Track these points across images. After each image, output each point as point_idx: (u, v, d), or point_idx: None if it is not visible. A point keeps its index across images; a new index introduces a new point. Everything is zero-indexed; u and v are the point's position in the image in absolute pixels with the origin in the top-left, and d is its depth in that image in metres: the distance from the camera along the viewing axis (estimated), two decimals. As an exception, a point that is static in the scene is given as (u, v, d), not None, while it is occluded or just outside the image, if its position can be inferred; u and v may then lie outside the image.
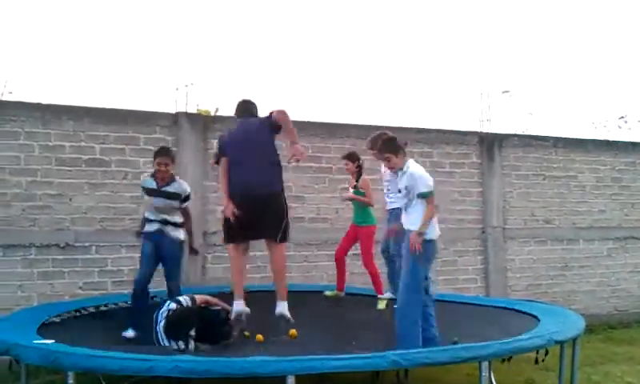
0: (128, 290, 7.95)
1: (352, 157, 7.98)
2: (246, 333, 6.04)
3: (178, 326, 5.58)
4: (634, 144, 11.96)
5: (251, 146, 6.06)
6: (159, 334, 5.61)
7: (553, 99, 23.96)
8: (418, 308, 5.45)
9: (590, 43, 27.71)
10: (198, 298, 6.04)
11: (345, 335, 6.08)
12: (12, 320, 5.97)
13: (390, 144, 5.78)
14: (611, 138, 12.46)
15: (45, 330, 5.65)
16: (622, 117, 15.52)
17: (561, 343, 5.32)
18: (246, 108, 6.51)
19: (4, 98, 8.62)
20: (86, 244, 8.10)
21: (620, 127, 15.20)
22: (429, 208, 5.48)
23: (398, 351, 4.49)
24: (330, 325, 6.67)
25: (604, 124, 15.41)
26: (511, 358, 5.56)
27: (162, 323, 5.62)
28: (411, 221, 5.57)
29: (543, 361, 5.50)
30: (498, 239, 10.46)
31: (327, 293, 8.11)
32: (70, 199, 8.07)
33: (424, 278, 5.59)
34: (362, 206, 7.87)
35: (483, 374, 4.56)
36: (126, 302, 6.95)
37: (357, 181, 7.88)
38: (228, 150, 6.21)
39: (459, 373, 6.57)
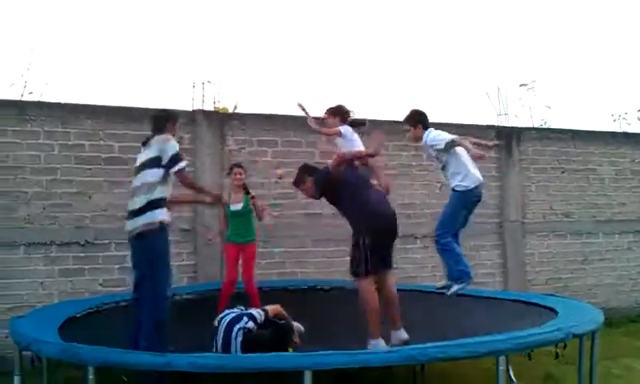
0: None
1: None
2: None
3: (256, 348, 5.58)
4: (653, 136, 11.83)
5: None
6: (233, 347, 5.61)
7: (571, 92, 23.76)
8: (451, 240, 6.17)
9: (609, 35, 27.41)
10: (270, 310, 6.08)
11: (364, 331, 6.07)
12: (33, 316, 6.04)
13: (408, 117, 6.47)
14: (630, 131, 12.36)
15: (66, 325, 5.71)
16: (642, 109, 15.35)
17: (579, 337, 5.29)
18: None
19: (24, 98, 8.71)
20: (106, 241, 8.18)
21: (639, 119, 15.05)
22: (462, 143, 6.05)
23: (414, 346, 4.49)
24: (352, 321, 6.67)
25: (623, 116, 15.26)
26: (532, 352, 5.53)
27: (240, 340, 5.65)
28: (457, 180, 6.17)
29: (562, 355, 5.46)
30: (517, 233, 10.40)
31: None
32: (90, 197, 8.16)
33: (460, 221, 6.28)
34: (250, 222, 7.76)
35: (500, 367, 4.54)
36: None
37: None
38: (353, 178, 6.08)
39: (477, 367, 6.54)
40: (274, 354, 4.37)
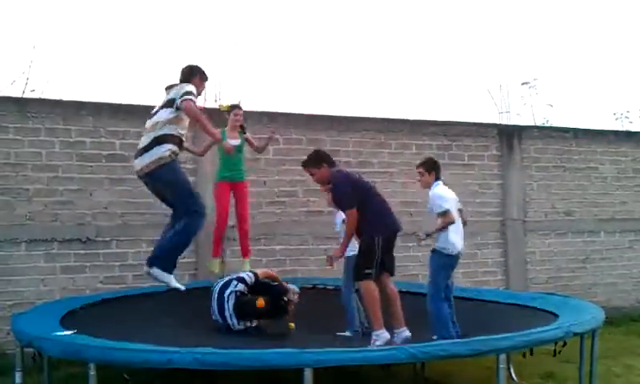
0: (148, 284, 8.10)
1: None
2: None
3: (247, 309, 5.74)
4: (656, 135, 11.81)
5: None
6: (227, 312, 5.75)
7: (573, 90, 23.75)
8: (443, 307, 6.35)
9: (612, 33, 27.39)
10: (260, 272, 6.18)
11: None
12: (34, 313, 6.06)
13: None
14: (633, 129, 12.35)
15: (66, 322, 5.71)
16: (644, 107, 15.33)
17: (580, 335, 5.30)
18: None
19: (25, 95, 8.72)
20: (107, 238, 8.19)
21: (641, 117, 15.03)
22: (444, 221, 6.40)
23: (415, 344, 4.49)
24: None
25: (625, 115, 15.26)
26: (532, 351, 5.54)
27: (232, 303, 5.78)
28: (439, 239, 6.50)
29: (560, 352, 5.47)
30: (518, 232, 10.40)
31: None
32: (91, 194, 8.16)
33: (444, 287, 6.44)
34: (242, 160, 7.87)
35: (501, 366, 4.55)
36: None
37: None
38: (366, 188, 6.35)
39: (478, 366, 6.54)
40: (275, 350, 4.36)
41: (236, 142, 7.71)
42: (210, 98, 10.42)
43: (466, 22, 25.94)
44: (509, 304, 7.04)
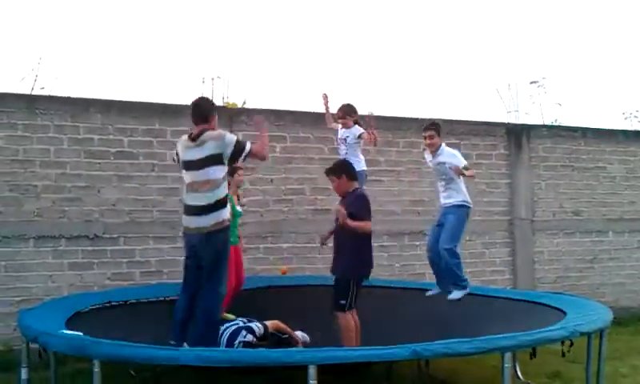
0: (155, 280, 8.14)
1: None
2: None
3: None
4: (665, 134, 11.74)
5: None
6: None
7: (582, 89, 23.59)
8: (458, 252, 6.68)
9: (621, 32, 27.24)
10: (270, 324, 6.11)
11: (369, 328, 6.08)
12: (41, 309, 6.09)
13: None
14: (642, 129, 12.24)
15: (74, 319, 5.75)
16: (653, 107, 15.23)
17: (587, 335, 5.27)
18: None
19: (34, 92, 8.74)
20: (115, 235, 8.22)
21: (650, 117, 14.92)
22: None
23: (418, 344, 4.47)
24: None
25: (634, 114, 15.15)
26: (535, 350, 5.53)
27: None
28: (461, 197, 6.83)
29: (569, 352, 5.45)
30: (526, 231, 10.37)
31: None
32: (99, 191, 8.19)
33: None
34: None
35: (506, 365, 4.53)
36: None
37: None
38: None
39: (484, 365, 6.54)
40: (279, 349, 4.38)
41: (240, 208, 7.55)
42: (217, 97, 10.39)
43: (474, 21, 25.85)
44: (516, 302, 7.02)
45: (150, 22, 22.64)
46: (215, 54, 20.06)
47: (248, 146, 5.49)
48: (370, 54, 24.49)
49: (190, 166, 5.49)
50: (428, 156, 7.27)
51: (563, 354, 5.54)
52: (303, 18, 24.17)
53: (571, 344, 5.33)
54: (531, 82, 14.58)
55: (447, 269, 6.77)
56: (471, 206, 6.98)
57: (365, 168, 7.27)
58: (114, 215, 8.24)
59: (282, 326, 6.23)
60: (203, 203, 5.37)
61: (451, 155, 6.88)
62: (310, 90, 20.87)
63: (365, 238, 6.16)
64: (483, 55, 24.46)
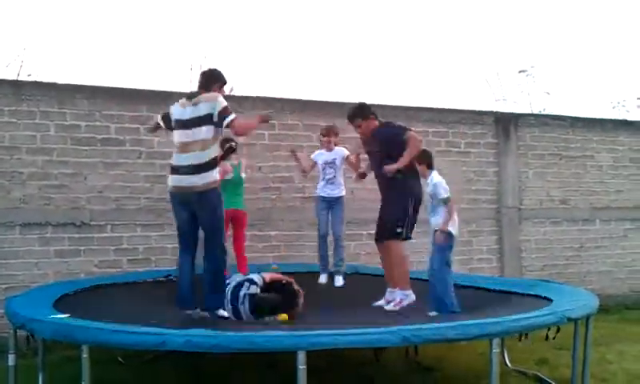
0: (143, 268, 8.11)
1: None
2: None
3: (265, 310, 5.74)
4: (652, 124, 11.82)
5: None
6: (241, 313, 5.74)
7: (570, 79, 23.71)
8: (450, 280, 6.26)
9: (608, 22, 27.33)
10: (267, 276, 6.15)
11: (355, 315, 6.08)
12: (28, 296, 6.04)
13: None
14: (629, 118, 12.36)
15: (60, 305, 5.70)
16: (641, 96, 15.35)
17: (574, 321, 5.29)
18: None
19: (20, 79, 8.67)
20: (102, 223, 8.18)
21: (638, 107, 15.08)
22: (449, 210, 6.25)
23: (408, 327, 4.48)
24: (341, 304, 6.68)
25: (622, 104, 15.29)
26: (527, 335, 5.55)
27: (247, 306, 5.76)
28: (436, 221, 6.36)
29: (554, 338, 5.48)
30: (514, 219, 10.41)
31: None
32: (86, 178, 8.14)
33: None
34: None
35: (494, 350, 4.53)
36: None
37: None
38: None
39: (471, 352, 6.57)
40: (268, 334, 4.36)
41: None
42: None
43: (463, 9, 25.84)
44: (503, 289, 7.03)
45: (138, 7, 22.48)
46: (203, 40, 19.99)
47: (233, 116, 5.56)
48: (359, 42, 24.47)
49: (182, 124, 5.60)
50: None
51: (547, 338, 5.58)
52: (292, 5, 24.08)
53: (557, 330, 5.36)
54: (520, 71, 14.72)
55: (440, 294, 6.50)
56: (454, 233, 6.37)
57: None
58: (101, 202, 8.19)
59: (278, 275, 6.27)
60: (195, 162, 5.46)
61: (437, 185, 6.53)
62: (298, 76, 20.83)
63: (411, 170, 6.23)
64: (472, 44, 24.50)
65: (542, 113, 11.67)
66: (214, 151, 5.58)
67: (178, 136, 5.66)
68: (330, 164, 7.70)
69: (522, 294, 6.55)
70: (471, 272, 9.34)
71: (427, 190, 6.61)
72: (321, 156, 7.80)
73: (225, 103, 5.57)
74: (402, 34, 25.22)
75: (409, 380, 6.19)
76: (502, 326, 4.67)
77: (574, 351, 5.53)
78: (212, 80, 5.78)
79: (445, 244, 6.23)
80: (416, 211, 6.33)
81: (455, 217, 6.42)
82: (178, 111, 5.70)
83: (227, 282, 6.04)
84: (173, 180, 5.68)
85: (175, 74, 24.16)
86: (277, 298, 5.84)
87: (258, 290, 5.91)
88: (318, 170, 7.89)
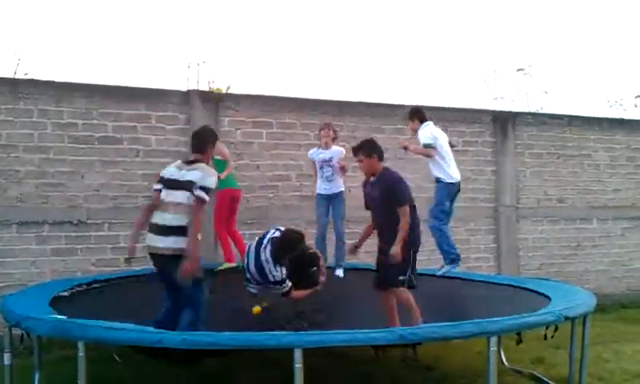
0: (140, 266, 8.07)
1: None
2: (257, 308, 6.06)
3: (285, 246, 5.79)
4: (649, 123, 11.83)
5: None
6: (263, 255, 5.73)
7: (568, 77, 23.71)
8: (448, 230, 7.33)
9: (606, 21, 27.33)
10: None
11: (349, 312, 6.09)
12: (24, 295, 6.02)
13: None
14: (626, 117, 12.35)
15: (56, 304, 5.70)
16: (638, 95, 15.37)
17: (571, 320, 5.29)
18: None
19: (17, 77, 8.64)
20: (99, 221, 8.16)
21: (636, 106, 15.07)
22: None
23: (405, 328, 4.48)
24: (339, 301, 6.68)
25: (619, 102, 15.27)
26: (520, 335, 5.56)
27: (269, 248, 5.78)
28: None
29: (552, 337, 5.48)
30: (511, 218, 10.41)
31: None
32: (83, 176, 8.12)
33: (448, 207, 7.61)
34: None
35: (491, 348, 4.54)
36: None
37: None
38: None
39: (469, 351, 6.58)
40: (264, 333, 4.36)
41: None
42: (203, 82, 10.34)
43: (461, 8, 25.84)
44: (501, 287, 7.05)
45: (136, 6, 22.44)
46: (201, 39, 19.96)
47: (206, 198, 5.21)
48: (357, 41, 24.44)
49: (171, 184, 5.32)
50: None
51: (545, 337, 5.58)
52: (290, 3, 24.05)
53: (555, 329, 5.35)
54: (517, 70, 14.68)
55: (436, 242, 7.39)
56: (450, 181, 7.63)
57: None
58: (98, 201, 8.18)
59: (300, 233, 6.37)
60: (172, 224, 5.17)
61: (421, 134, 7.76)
62: (296, 75, 20.80)
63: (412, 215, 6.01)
64: (470, 42, 24.49)
65: (540, 111, 11.64)
66: (187, 218, 5.16)
67: (163, 195, 5.35)
68: (328, 162, 7.75)
69: (519, 293, 6.56)
70: (468, 271, 9.33)
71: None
72: (318, 154, 7.83)
73: (211, 184, 5.25)
74: (400, 33, 25.21)
75: (407, 378, 6.20)
76: (500, 324, 4.68)
77: (571, 350, 5.54)
78: (206, 142, 5.53)
79: (443, 191, 7.15)
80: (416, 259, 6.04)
81: (450, 164, 7.56)
82: (172, 172, 5.42)
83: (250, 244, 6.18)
84: (149, 239, 5.34)
85: (173, 73, 24.08)
86: (299, 241, 5.91)
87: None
88: (316, 168, 7.92)
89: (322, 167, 7.80)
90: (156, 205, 5.32)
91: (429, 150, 7.65)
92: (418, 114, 7.91)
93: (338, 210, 7.80)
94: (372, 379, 6.06)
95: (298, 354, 4.07)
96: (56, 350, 6.58)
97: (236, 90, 9.18)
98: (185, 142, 8.14)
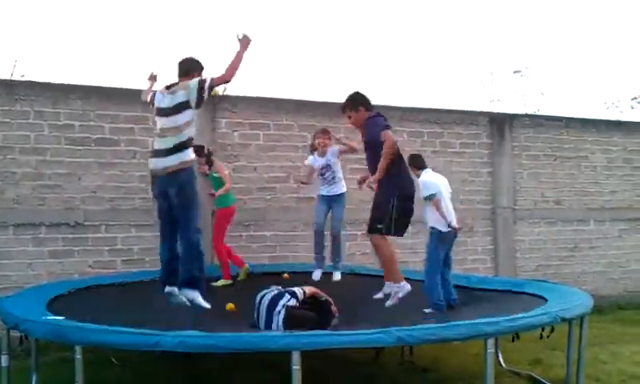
0: (137, 268, 8.09)
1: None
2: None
3: (298, 324, 5.66)
4: (646, 124, 11.86)
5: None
6: (275, 324, 5.63)
7: (565, 79, 23.79)
8: (438, 278, 6.24)
9: (603, 23, 27.41)
10: (307, 290, 6.09)
11: (350, 314, 6.07)
12: (21, 297, 6.01)
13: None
14: (623, 119, 12.38)
15: (54, 306, 5.69)
16: (635, 97, 15.44)
17: (568, 321, 5.29)
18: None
19: (13, 78, 8.64)
20: (96, 223, 8.15)
21: (632, 108, 15.16)
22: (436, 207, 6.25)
23: (401, 327, 4.47)
24: (337, 303, 6.66)
25: (616, 104, 15.33)
26: (516, 336, 5.55)
27: (282, 316, 5.65)
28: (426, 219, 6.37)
29: (548, 337, 5.47)
30: (508, 220, 10.43)
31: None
32: (80, 178, 8.12)
33: (442, 258, 6.34)
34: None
35: (489, 350, 4.53)
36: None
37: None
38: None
39: (466, 352, 6.58)
40: (262, 334, 4.36)
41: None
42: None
43: (458, 10, 25.88)
44: (498, 289, 7.04)
45: (131, 7, 22.44)
46: (196, 40, 19.95)
47: (208, 81, 5.54)
48: (354, 43, 24.46)
49: (161, 112, 5.70)
50: None
51: (541, 336, 5.58)
52: (286, 4, 24.07)
53: (552, 330, 5.36)
54: (514, 72, 14.73)
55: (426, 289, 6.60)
56: (442, 230, 6.33)
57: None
58: (95, 202, 8.18)
59: (318, 291, 6.20)
60: (169, 146, 5.55)
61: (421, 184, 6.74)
62: (293, 77, 20.82)
63: (395, 162, 6.10)
64: (467, 45, 24.54)
65: (537, 113, 11.69)
66: (187, 134, 5.60)
67: (158, 122, 5.76)
68: (327, 167, 7.69)
69: (517, 294, 6.56)
70: (466, 272, 9.33)
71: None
72: (315, 162, 7.78)
73: (196, 82, 5.55)
74: (397, 35, 25.24)
75: (404, 380, 6.19)
76: (497, 326, 4.66)
77: (569, 351, 5.54)
78: (190, 68, 5.78)
79: (434, 241, 6.29)
80: (406, 207, 6.15)
81: (448, 211, 6.38)
82: (158, 100, 5.78)
83: (264, 292, 5.98)
84: (151, 163, 5.77)
85: (169, 74, 24.09)
86: (313, 316, 5.78)
87: (297, 304, 5.84)
88: (317, 173, 7.90)
89: (322, 174, 7.74)
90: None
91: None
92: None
93: (338, 212, 7.74)
94: (370, 381, 6.06)
95: (296, 357, 4.07)
96: (53, 352, 6.58)
97: (233, 91, 9.15)
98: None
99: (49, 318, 4.92)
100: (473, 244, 10.15)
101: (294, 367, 4.07)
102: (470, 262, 10.04)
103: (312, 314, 5.70)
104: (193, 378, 6.19)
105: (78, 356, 4.37)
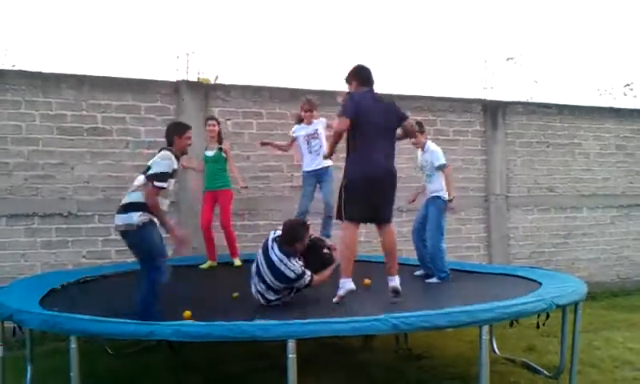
0: (131, 259, 8.04)
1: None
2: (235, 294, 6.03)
3: (292, 236, 5.65)
4: (639, 111, 11.89)
5: (387, 129, 5.84)
6: (273, 257, 5.57)
7: (558, 66, 23.77)
8: (443, 247, 6.83)
9: (596, 10, 27.40)
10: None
11: (343, 302, 6.07)
12: (15, 288, 5.98)
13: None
14: (616, 106, 12.38)
15: (48, 296, 5.67)
16: (628, 84, 15.46)
17: (562, 307, 5.29)
18: (372, 79, 5.97)
19: (4, 67, 8.56)
20: (89, 213, 8.12)
21: (625, 94, 15.15)
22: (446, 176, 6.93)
23: (397, 314, 4.46)
24: (330, 291, 6.66)
25: (609, 91, 15.34)
26: (516, 322, 5.57)
27: (276, 247, 5.61)
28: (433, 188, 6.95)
29: (544, 325, 5.50)
30: (501, 207, 10.44)
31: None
32: (72, 168, 8.08)
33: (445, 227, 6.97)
34: (222, 170, 7.95)
35: (483, 337, 4.53)
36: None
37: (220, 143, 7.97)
38: (362, 121, 5.63)
39: (461, 340, 6.60)
40: (258, 323, 4.34)
41: (210, 152, 7.93)
42: (192, 72, 10.26)
43: (451, -1, 25.82)
44: (492, 276, 7.05)
45: (123, -3, 22.29)
46: (190, 29, 19.84)
47: (158, 184, 5.32)
48: (347, 30, 24.39)
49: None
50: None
51: (538, 326, 5.60)
52: (278, -5, 23.97)
53: (547, 317, 5.37)
54: (507, 59, 14.70)
55: (431, 258, 6.90)
56: (447, 198, 6.96)
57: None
58: (88, 192, 8.14)
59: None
60: (123, 202, 5.41)
61: (434, 152, 7.03)
62: (286, 65, 20.75)
63: (356, 141, 5.65)
64: (460, 32, 24.50)
65: (530, 101, 11.64)
66: (138, 197, 5.35)
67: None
68: (313, 135, 7.73)
69: (510, 281, 6.56)
70: (459, 260, 9.33)
71: (423, 157, 7.10)
72: (301, 130, 7.81)
73: (162, 169, 5.35)
74: (391, 22, 25.17)
75: (399, 367, 6.21)
76: (491, 313, 4.66)
77: (563, 338, 5.55)
78: (171, 133, 5.63)
79: (441, 210, 6.74)
80: (356, 191, 5.59)
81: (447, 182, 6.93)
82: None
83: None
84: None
85: (162, 63, 23.98)
86: (302, 226, 5.84)
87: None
88: (299, 146, 7.91)
89: (308, 142, 7.78)
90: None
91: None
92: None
93: (327, 188, 7.67)
94: (365, 368, 6.07)
95: (291, 345, 4.06)
96: (48, 342, 6.57)
97: (225, 80, 9.13)
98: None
99: (43, 309, 4.90)
100: (466, 231, 10.18)
101: (290, 356, 4.06)
102: (464, 249, 10.07)
103: (301, 222, 5.96)
104: (186, 365, 6.18)
105: (73, 346, 4.34)
